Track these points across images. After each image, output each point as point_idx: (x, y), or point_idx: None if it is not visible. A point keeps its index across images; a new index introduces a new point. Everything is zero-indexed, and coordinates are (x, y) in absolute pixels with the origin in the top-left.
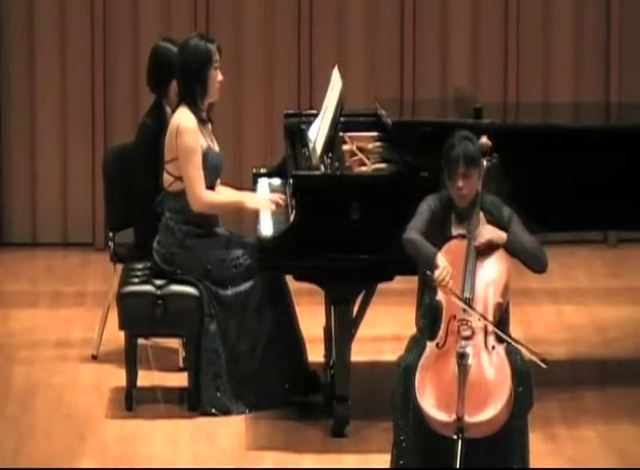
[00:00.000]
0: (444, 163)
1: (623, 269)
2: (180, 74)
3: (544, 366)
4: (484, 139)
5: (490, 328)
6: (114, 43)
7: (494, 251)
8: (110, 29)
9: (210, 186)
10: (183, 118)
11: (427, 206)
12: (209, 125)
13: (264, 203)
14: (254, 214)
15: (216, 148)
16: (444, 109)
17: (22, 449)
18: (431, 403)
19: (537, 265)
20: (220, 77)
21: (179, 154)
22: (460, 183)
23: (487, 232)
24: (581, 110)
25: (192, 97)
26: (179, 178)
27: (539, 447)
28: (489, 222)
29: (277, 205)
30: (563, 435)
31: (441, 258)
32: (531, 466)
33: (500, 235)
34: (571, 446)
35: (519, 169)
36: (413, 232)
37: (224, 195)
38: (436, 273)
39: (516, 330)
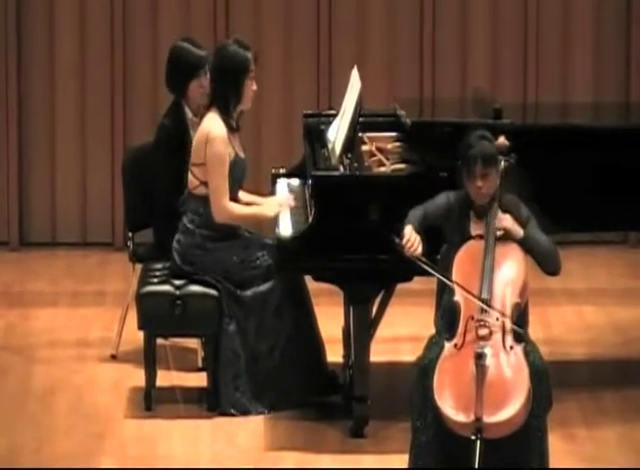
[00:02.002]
0: (462, 162)
1: None
2: (215, 79)
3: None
4: (502, 139)
5: (508, 327)
6: (134, 43)
7: (512, 248)
8: (129, 29)
9: (235, 194)
10: (214, 126)
11: (445, 198)
12: (238, 132)
13: (281, 206)
14: (273, 220)
15: (243, 155)
16: (464, 109)
17: (42, 449)
18: (449, 404)
19: (550, 267)
20: (254, 87)
21: (207, 162)
22: (479, 183)
23: (507, 221)
24: (601, 109)
25: (224, 104)
26: (204, 183)
27: (558, 448)
28: None
29: (289, 206)
30: (582, 435)
31: (409, 227)
32: (551, 466)
33: (517, 229)
34: (590, 446)
35: (539, 170)
36: (418, 211)
37: (245, 208)
38: (403, 240)
39: (535, 330)
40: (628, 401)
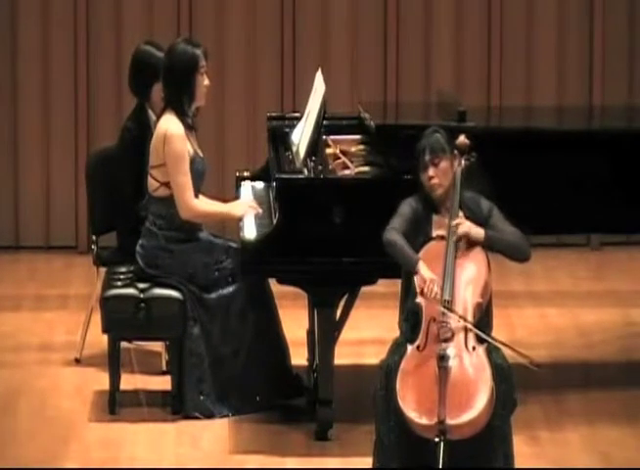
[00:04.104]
0: (415, 158)
1: (606, 272)
2: (166, 80)
3: (534, 368)
4: (462, 138)
5: (470, 327)
6: (97, 47)
7: (473, 248)
8: (93, 33)
9: (196, 193)
10: (171, 125)
11: (408, 206)
12: (195, 131)
13: (249, 208)
14: (239, 222)
15: (201, 154)
16: (428, 112)
17: (6, 452)
18: (412, 407)
19: (519, 256)
20: (207, 82)
21: (167, 161)
22: (431, 172)
23: (465, 227)
24: (564, 113)
25: (179, 103)
26: (164, 184)
27: (522, 450)
28: (469, 219)
29: (256, 211)
30: (545, 437)
31: (424, 268)
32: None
33: (478, 232)
34: (553, 448)
35: (503, 173)
36: (394, 232)
37: (211, 204)
38: (425, 288)
39: (498, 333)
40: (591, 403)
